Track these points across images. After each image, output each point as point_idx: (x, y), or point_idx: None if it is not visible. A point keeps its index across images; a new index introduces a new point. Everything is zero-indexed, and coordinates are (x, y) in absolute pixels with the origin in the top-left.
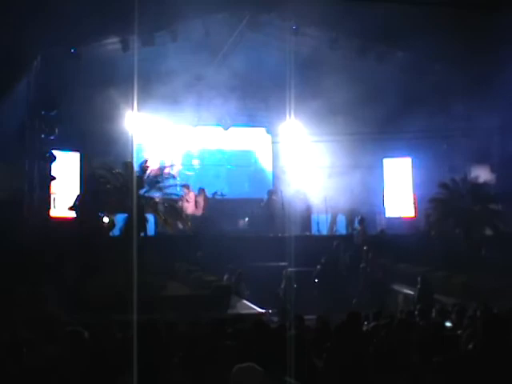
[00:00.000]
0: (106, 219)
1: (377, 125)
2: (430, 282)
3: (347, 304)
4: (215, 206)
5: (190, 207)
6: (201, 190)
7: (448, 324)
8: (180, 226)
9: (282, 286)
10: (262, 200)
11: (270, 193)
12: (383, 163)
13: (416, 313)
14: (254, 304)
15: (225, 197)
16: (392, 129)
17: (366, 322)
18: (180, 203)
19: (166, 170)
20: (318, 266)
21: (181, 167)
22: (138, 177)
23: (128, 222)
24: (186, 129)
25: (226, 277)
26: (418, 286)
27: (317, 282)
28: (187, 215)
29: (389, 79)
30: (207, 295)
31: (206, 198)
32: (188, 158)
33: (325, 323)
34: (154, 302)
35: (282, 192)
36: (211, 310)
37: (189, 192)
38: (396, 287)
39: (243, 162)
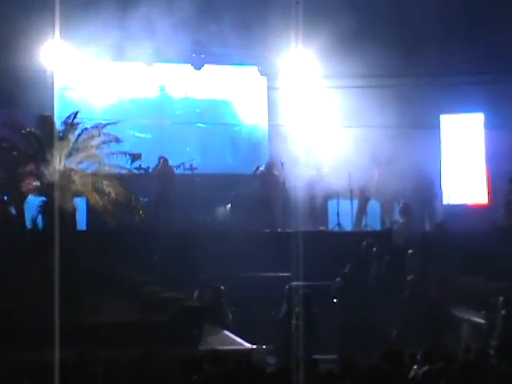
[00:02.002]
0: (10, 205)
1: (431, 62)
2: None
3: (383, 337)
4: (182, 186)
5: (142, 187)
6: (160, 161)
7: None
8: (128, 215)
9: (284, 309)
10: (252, 176)
11: (266, 166)
12: (440, 121)
13: (491, 352)
14: (240, 336)
15: (195, 171)
16: (453, 68)
17: (415, 366)
18: (127, 181)
19: (106, 130)
20: (338, 279)
21: (129, 126)
22: (61, 139)
23: (46, 210)
24: (136, 68)
25: (196, 294)
26: (502, 312)
27: (336, 302)
28: (138, 200)
29: None
30: (167, 321)
31: (167, 173)
32: (140, 111)
33: (349, 366)
34: (86, 332)
35: (283, 165)
36: (173, 343)
37: (141, 164)
38: (459, 313)
39: (224, 118)
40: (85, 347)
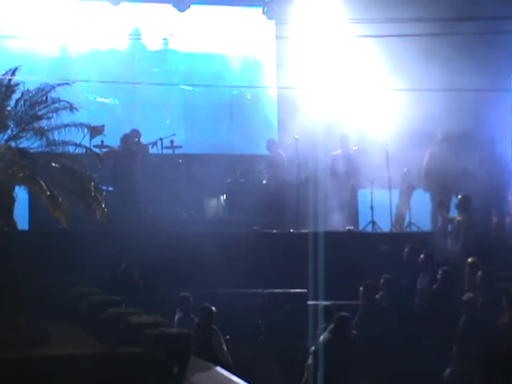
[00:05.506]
0: None
1: (495, 2)
2: None
3: (430, 376)
4: (159, 170)
5: (106, 171)
6: (129, 136)
7: None
8: (85, 211)
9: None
10: (254, 158)
11: (272, 143)
12: None
13: None
14: (239, 375)
15: (178, 150)
16: None
17: None
18: (85, 163)
19: (56, 93)
20: (377, 296)
21: (88, 88)
22: None
23: None
24: (98, 8)
25: (178, 316)
26: None
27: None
28: (100, 189)
29: None
30: (139, 355)
31: (139, 153)
32: (103, 67)
33: None
34: (28, 367)
35: (297, 141)
36: None
37: (104, 140)
38: None
39: (217, 79)
40: None
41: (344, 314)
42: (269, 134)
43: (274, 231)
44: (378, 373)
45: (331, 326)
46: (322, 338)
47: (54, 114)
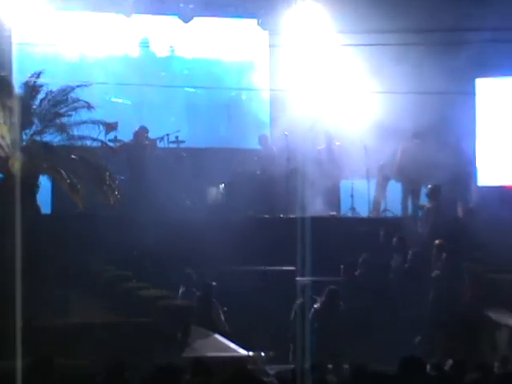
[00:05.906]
0: None
1: (461, 15)
2: None
3: (402, 344)
4: (165, 162)
5: (119, 162)
6: (139, 132)
7: None
8: (101, 197)
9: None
10: (249, 152)
11: (263, 139)
12: (475, 86)
13: None
14: (235, 342)
15: (182, 145)
16: (492, 23)
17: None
18: (101, 155)
19: (76, 94)
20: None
21: (103, 90)
22: (21, 104)
23: (2, 190)
24: (112, 20)
25: (181, 291)
26: None
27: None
28: (114, 178)
29: None
30: (147, 324)
31: (147, 147)
32: (117, 72)
33: (361, 375)
34: (49, 334)
35: (287, 137)
36: (154, 350)
37: (117, 135)
38: (496, 316)
39: (217, 82)
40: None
41: (334, 287)
42: (262, 130)
43: (266, 216)
44: (359, 343)
45: (322, 298)
46: (313, 309)
47: (74, 112)
